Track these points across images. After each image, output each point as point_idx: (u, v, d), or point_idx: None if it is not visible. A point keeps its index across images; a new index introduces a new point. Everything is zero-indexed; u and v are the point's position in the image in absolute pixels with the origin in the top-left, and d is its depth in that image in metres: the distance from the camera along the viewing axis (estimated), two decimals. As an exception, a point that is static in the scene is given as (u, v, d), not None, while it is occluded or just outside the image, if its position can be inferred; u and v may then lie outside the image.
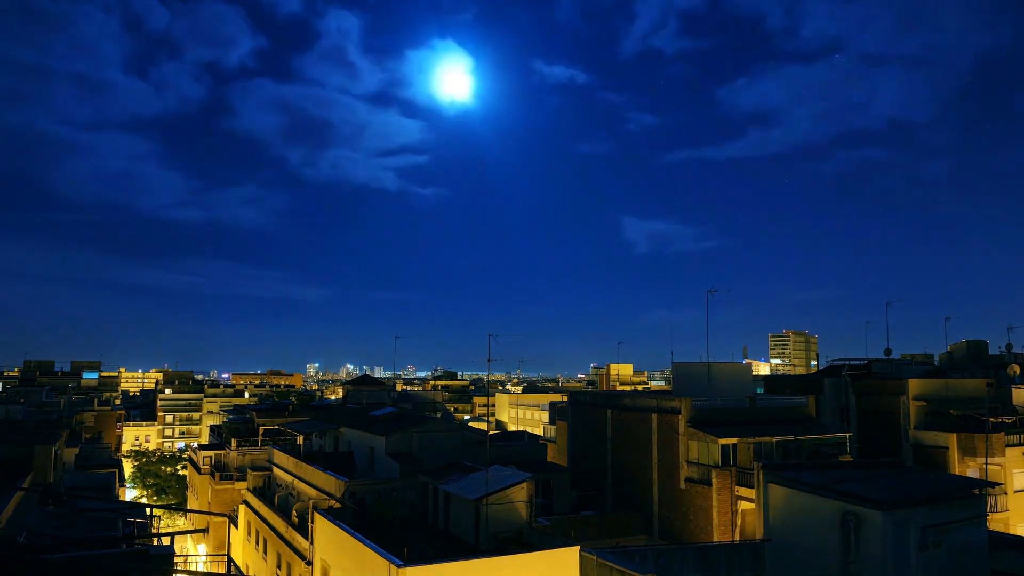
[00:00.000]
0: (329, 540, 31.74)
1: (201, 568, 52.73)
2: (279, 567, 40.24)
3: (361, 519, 32.80)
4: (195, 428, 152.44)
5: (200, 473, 67.43)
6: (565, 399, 68.74)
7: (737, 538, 37.23)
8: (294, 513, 39.20)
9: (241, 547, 50.78)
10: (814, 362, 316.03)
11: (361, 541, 27.37)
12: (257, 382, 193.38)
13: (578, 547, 26.32)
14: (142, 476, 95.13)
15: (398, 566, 23.54)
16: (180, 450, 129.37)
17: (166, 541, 33.84)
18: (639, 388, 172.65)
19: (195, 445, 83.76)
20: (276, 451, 49.88)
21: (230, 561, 49.66)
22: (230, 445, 64.92)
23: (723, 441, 39.09)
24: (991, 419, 45.56)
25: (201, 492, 66.69)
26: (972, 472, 44.43)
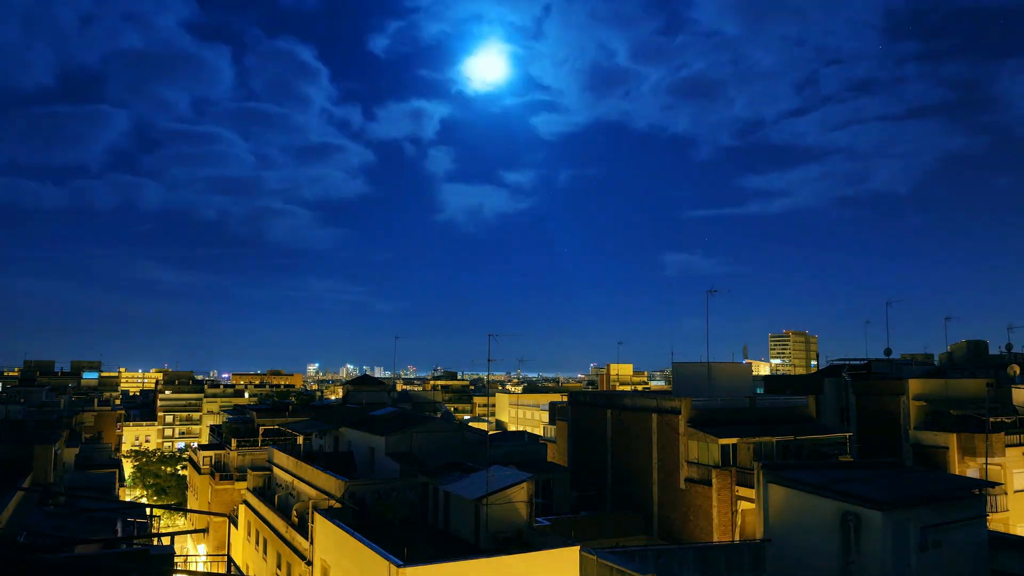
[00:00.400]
0: (329, 540, 31.73)
1: (201, 568, 52.75)
2: (279, 567, 40.24)
3: (361, 519, 32.78)
4: (195, 428, 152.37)
5: (200, 473, 67.42)
6: (565, 399, 68.74)
7: (737, 538, 37.24)
8: (294, 513, 39.20)
9: (241, 547, 50.78)
10: (814, 362, 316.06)
11: (361, 541, 27.37)
12: (257, 382, 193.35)
13: (578, 547, 26.31)
14: (142, 476, 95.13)
15: (398, 566, 23.54)
16: (180, 450, 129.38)
17: (166, 541, 33.84)
18: (639, 388, 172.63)
19: (195, 445, 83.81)
20: (276, 451, 49.85)
21: (230, 561, 49.67)
22: (230, 445, 64.90)
23: (723, 441, 39.09)
24: (991, 419, 45.55)
25: (201, 492, 66.68)
26: (972, 472, 44.42)
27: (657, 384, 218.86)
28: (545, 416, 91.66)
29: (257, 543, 45.98)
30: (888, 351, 59.53)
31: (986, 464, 44.14)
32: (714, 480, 38.76)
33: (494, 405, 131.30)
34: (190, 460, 78.76)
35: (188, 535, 62.49)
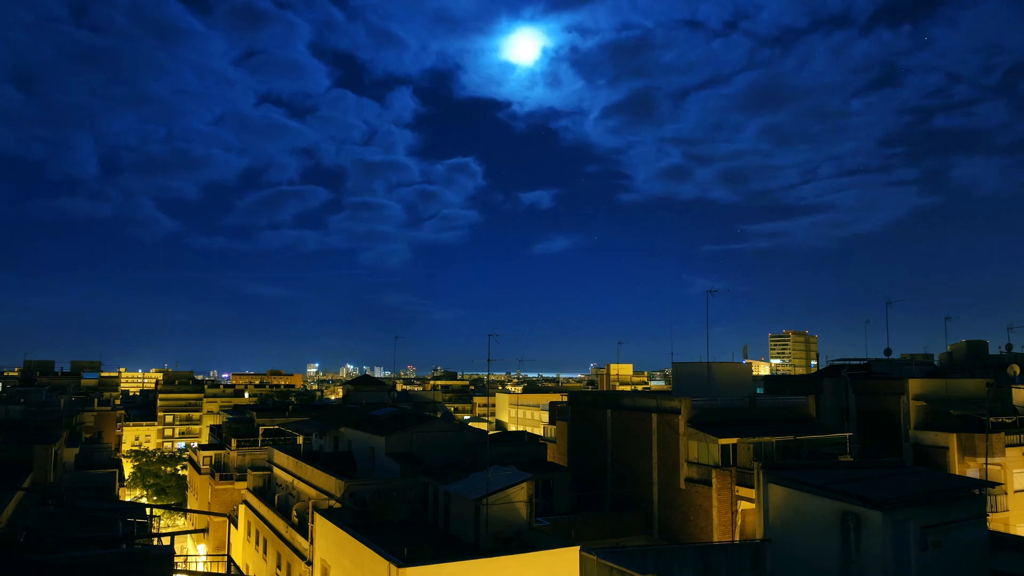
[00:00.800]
0: (329, 540, 31.75)
1: (201, 568, 52.77)
2: (279, 567, 40.25)
3: (361, 519, 32.81)
4: (195, 428, 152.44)
5: (200, 473, 67.42)
6: (565, 399, 68.75)
7: (737, 538, 37.24)
8: (294, 513, 39.21)
9: (241, 547, 50.79)
10: (814, 362, 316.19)
11: (361, 541, 27.38)
12: (257, 382, 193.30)
13: (578, 547, 26.32)
14: (142, 476, 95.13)
15: (398, 566, 23.55)
16: (180, 450, 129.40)
17: (166, 541, 33.87)
18: (639, 388, 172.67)
19: (195, 445, 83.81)
20: (276, 451, 49.88)
21: (230, 561, 49.66)
22: (230, 445, 64.92)
23: (723, 441, 39.10)
24: (991, 419, 45.56)
25: (201, 492, 66.70)
26: (972, 472, 44.43)
27: (657, 384, 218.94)
28: (545, 416, 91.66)
29: (257, 543, 45.99)
30: (888, 351, 59.53)
31: (986, 464, 44.15)
32: (714, 480, 38.77)
33: (494, 405, 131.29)
34: (190, 460, 78.76)
35: (188, 535, 62.50)
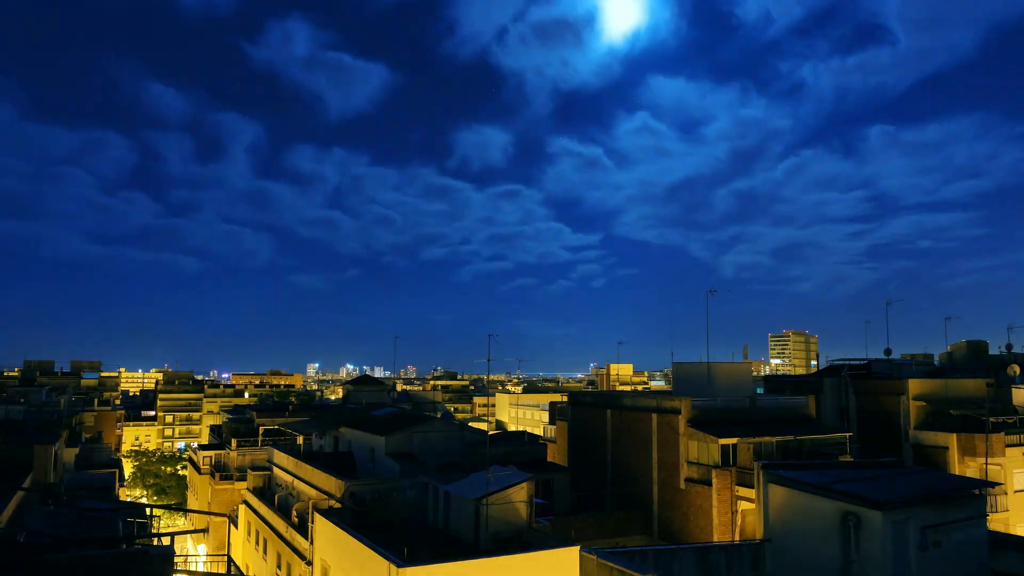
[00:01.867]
0: (329, 540, 31.75)
1: (201, 568, 52.74)
2: (279, 567, 40.25)
3: (361, 519, 32.80)
4: (195, 428, 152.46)
5: (200, 473, 67.43)
6: (565, 399, 68.74)
7: (737, 538, 37.26)
8: (294, 513, 39.22)
9: (241, 547, 50.80)
10: (814, 362, 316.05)
11: (361, 541, 27.39)
12: (257, 382, 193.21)
13: (578, 547, 26.31)
14: (142, 476, 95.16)
15: (398, 566, 23.56)
16: (180, 450, 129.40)
17: (166, 541, 33.82)
18: (639, 388, 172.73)
19: (195, 445, 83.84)
20: (276, 451, 49.89)
21: (230, 561, 49.66)
22: (230, 445, 64.93)
23: (723, 441, 39.11)
24: (991, 419, 45.56)
25: (201, 492, 66.71)
26: (972, 472, 44.43)
27: (657, 384, 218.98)
28: (545, 416, 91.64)
29: (257, 543, 46.00)
30: (888, 351, 59.52)
31: (986, 464, 44.15)
32: (714, 480, 38.78)
33: (494, 405, 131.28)
34: (190, 460, 78.78)
35: (188, 535, 62.49)
